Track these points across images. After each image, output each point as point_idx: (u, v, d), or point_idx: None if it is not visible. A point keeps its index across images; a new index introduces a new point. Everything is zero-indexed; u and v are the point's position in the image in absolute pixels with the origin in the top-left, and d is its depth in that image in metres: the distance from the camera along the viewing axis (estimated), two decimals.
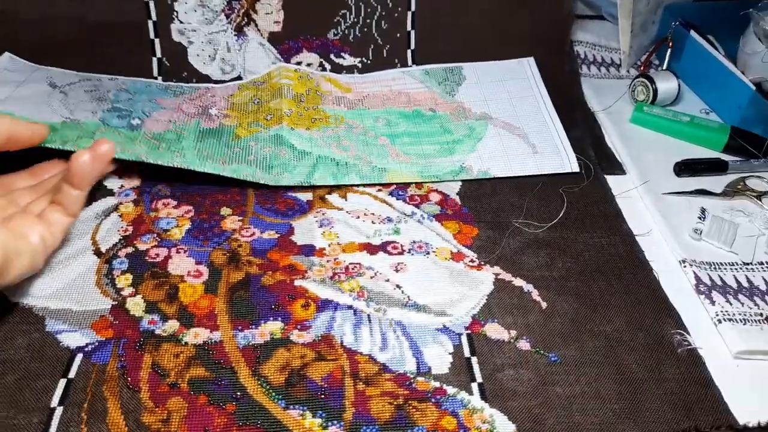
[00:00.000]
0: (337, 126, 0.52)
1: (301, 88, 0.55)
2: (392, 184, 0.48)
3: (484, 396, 0.34)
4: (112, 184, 0.47)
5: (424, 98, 0.56)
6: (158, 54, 0.57)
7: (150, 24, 0.56)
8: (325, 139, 0.50)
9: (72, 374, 0.34)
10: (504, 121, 0.54)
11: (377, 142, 0.51)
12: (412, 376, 0.35)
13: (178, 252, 0.41)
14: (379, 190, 0.48)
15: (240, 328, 0.37)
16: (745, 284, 0.41)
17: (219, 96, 0.54)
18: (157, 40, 0.56)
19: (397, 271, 0.41)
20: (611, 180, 0.50)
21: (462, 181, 0.49)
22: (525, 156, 0.51)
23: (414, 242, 0.43)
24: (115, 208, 0.45)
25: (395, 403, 0.33)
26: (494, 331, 0.38)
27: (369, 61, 0.59)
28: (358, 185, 0.48)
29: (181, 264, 0.41)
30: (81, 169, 0.38)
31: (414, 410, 0.33)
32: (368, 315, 0.38)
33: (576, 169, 0.50)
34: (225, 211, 0.45)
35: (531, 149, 0.51)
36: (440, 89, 0.57)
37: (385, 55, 0.59)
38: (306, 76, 0.56)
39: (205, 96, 0.54)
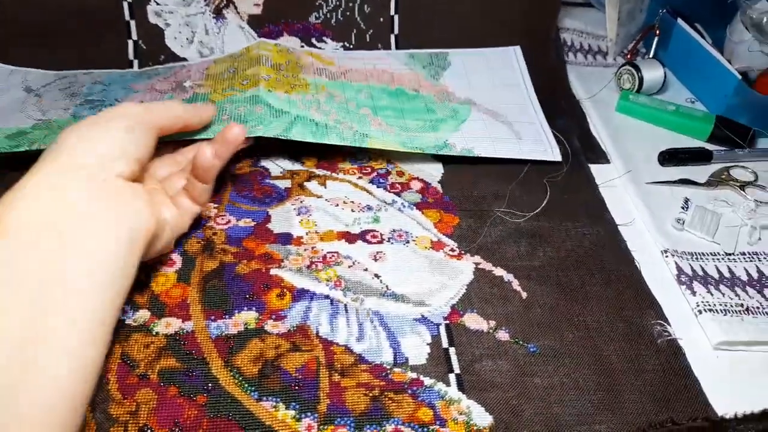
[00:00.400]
0: (317, 93, 0.50)
1: (281, 59, 0.52)
2: (374, 169, 0.47)
3: (461, 387, 0.33)
4: None
5: (408, 79, 0.55)
6: (134, 36, 0.55)
7: (125, 5, 0.54)
8: (305, 103, 0.48)
9: None
10: (488, 108, 0.53)
11: (359, 111, 0.49)
12: (388, 367, 0.34)
13: None
14: (360, 178, 0.47)
15: (213, 318, 0.36)
16: (727, 275, 0.41)
17: (194, 70, 0.52)
18: (132, 22, 0.55)
19: (375, 260, 0.40)
20: (595, 169, 0.50)
21: (444, 157, 0.48)
22: (508, 141, 0.50)
23: (394, 231, 0.42)
24: None
25: (371, 394, 0.33)
26: (473, 321, 0.37)
27: (351, 46, 0.58)
28: (338, 150, 0.46)
29: None
30: (204, 164, 0.38)
31: (390, 402, 0.32)
32: (345, 305, 0.37)
33: (558, 158, 0.49)
34: None
35: (515, 135, 0.50)
36: (425, 72, 0.56)
37: (368, 39, 0.58)
38: (286, 51, 0.55)
39: (180, 73, 0.52)
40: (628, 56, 0.64)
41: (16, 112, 0.48)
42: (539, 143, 0.50)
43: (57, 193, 0.29)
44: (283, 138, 0.44)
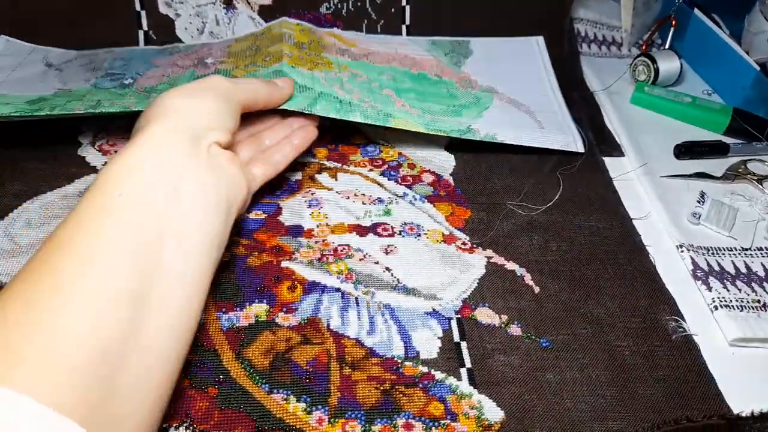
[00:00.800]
0: (340, 72, 0.49)
1: (304, 38, 0.52)
2: (385, 162, 0.47)
3: (473, 381, 0.33)
4: (96, 160, 0.46)
5: (430, 65, 0.54)
6: (145, 27, 0.55)
7: None
8: (329, 80, 0.47)
9: None
10: (510, 97, 0.52)
11: (382, 92, 0.49)
12: (399, 361, 0.34)
13: None
14: (371, 170, 0.46)
15: (224, 310, 0.36)
16: (743, 270, 0.41)
17: (216, 48, 0.52)
18: (143, 12, 0.55)
19: (386, 253, 0.40)
20: (609, 162, 0.49)
21: (456, 149, 0.48)
22: (531, 129, 0.49)
23: (405, 224, 0.42)
24: None
25: (382, 388, 0.33)
26: (485, 315, 0.37)
27: None
28: (359, 123, 0.45)
29: None
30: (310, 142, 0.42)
31: (401, 395, 0.32)
32: (356, 298, 0.37)
33: (581, 149, 0.48)
34: None
35: (537, 125, 0.50)
36: (446, 59, 0.55)
37: (378, 30, 0.58)
38: (309, 30, 0.54)
39: (201, 51, 0.52)
40: (644, 47, 0.63)
41: (37, 83, 0.48)
42: (563, 134, 0.49)
43: (168, 152, 0.30)
44: (306, 113, 0.43)
